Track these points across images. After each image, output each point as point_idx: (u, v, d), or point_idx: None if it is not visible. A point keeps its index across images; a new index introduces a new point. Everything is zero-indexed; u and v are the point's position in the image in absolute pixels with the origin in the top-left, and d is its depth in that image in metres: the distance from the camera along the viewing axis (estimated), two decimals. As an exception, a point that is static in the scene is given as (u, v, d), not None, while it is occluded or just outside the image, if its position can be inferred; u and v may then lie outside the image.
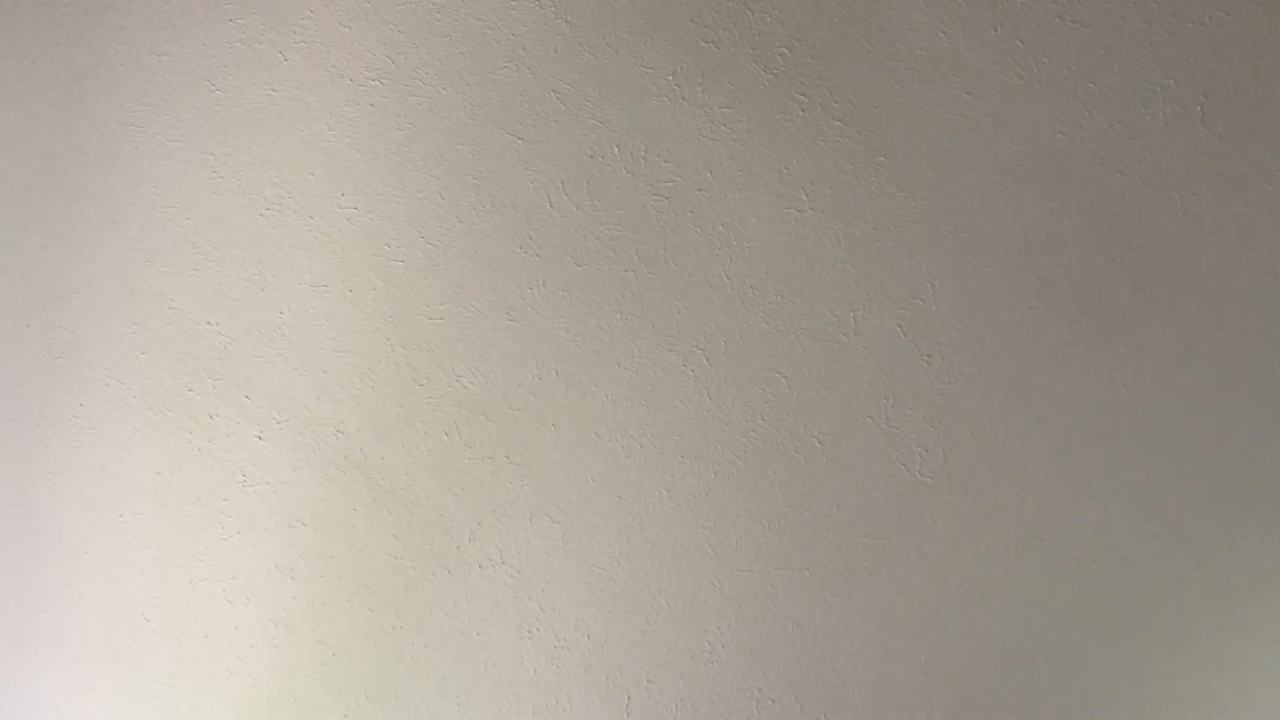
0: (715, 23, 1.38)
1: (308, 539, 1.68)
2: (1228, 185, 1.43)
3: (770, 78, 1.40)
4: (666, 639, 1.73)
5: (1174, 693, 1.83)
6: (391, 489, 1.65)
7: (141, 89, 1.45)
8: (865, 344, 1.55)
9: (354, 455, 1.63)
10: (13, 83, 1.45)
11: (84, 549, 1.69)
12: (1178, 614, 1.75)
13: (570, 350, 1.57)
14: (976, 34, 1.36)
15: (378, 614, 1.72)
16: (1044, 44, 1.36)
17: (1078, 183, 1.44)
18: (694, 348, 1.56)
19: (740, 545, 1.69)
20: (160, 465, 1.64)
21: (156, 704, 1.79)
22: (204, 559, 1.69)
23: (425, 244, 1.51)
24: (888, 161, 1.44)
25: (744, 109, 1.42)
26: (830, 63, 1.39)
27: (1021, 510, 1.66)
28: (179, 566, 1.70)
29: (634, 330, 1.55)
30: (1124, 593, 1.73)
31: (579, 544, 1.69)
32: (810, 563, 1.70)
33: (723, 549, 1.69)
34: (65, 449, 1.63)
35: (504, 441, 1.62)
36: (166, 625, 1.73)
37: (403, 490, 1.65)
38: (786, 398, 1.59)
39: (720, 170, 1.45)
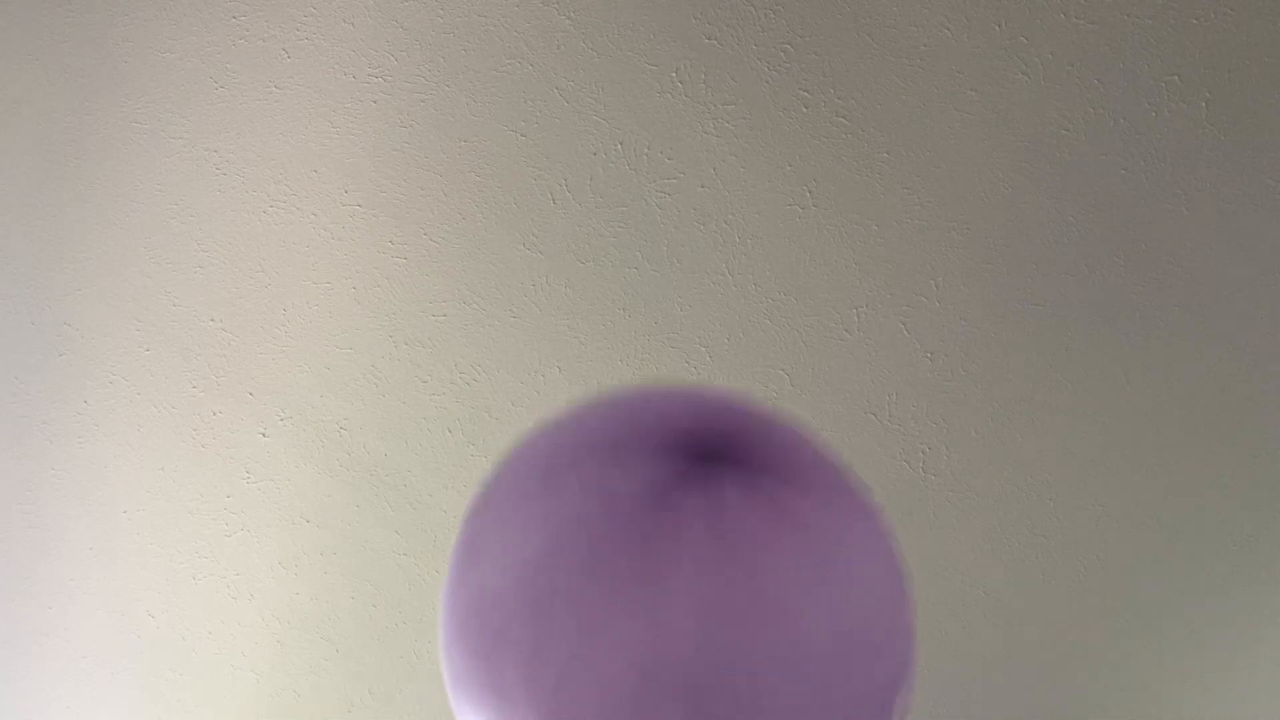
0: (718, 19, 1.37)
1: (311, 535, 1.68)
2: (1233, 181, 1.43)
3: (773, 74, 1.40)
4: (669, 635, 1.73)
5: (1177, 691, 1.83)
6: (394, 485, 1.65)
7: (145, 86, 1.45)
8: (868, 340, 1.55)
9: (357, 452, 1.63)
10: (16, 79, 1.45)
11: (88, 545, 1.69)
12: (1181, 614, 1.75)
13: (573, 346, 1.57)
14: (980, 30, 1.36)
15: (381, 610, 1.73)
16: (1048, 40, 1.36)
17: (1082, 179, 1.44)
18: (697, 344, 1.56)
19: (743, 542, 1.69)
20: (164, 462, 1.64)
21: (159, 699, 1.79)
22: (207, 555, 1.70)
23: (428, 240, 1.51)
24: (891, 158, 1.43)
25: (747, 105, 1.42)
26: (833, 59, 1.39)
27: (1024, 508, 1.66)
28: (182, 563, 1.70)
29: (637, 326, 1.55)
30: (1126, 591, 1.73)
31: (582, 540, 1.69)
32: (813, 559, 1.70)
33: (725, 545, 1.69)
34: (69, 446, 1.63)
35: (507, 438, 1.62)
36: (170, 621, 1.74)
37: (405, 487, 1.65)
38: (789, 394, 1.59)
39: (723, 167, 1.45)
